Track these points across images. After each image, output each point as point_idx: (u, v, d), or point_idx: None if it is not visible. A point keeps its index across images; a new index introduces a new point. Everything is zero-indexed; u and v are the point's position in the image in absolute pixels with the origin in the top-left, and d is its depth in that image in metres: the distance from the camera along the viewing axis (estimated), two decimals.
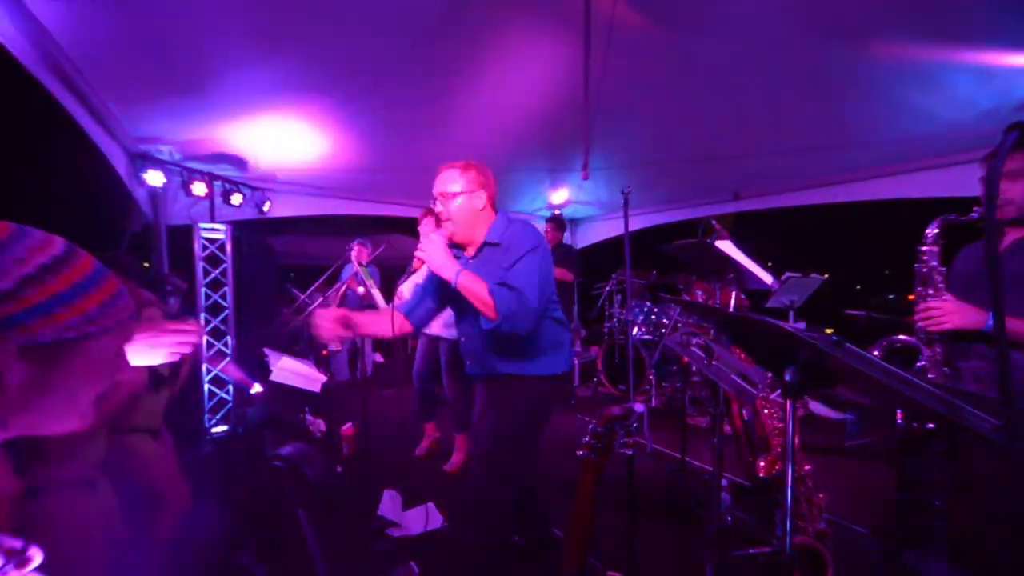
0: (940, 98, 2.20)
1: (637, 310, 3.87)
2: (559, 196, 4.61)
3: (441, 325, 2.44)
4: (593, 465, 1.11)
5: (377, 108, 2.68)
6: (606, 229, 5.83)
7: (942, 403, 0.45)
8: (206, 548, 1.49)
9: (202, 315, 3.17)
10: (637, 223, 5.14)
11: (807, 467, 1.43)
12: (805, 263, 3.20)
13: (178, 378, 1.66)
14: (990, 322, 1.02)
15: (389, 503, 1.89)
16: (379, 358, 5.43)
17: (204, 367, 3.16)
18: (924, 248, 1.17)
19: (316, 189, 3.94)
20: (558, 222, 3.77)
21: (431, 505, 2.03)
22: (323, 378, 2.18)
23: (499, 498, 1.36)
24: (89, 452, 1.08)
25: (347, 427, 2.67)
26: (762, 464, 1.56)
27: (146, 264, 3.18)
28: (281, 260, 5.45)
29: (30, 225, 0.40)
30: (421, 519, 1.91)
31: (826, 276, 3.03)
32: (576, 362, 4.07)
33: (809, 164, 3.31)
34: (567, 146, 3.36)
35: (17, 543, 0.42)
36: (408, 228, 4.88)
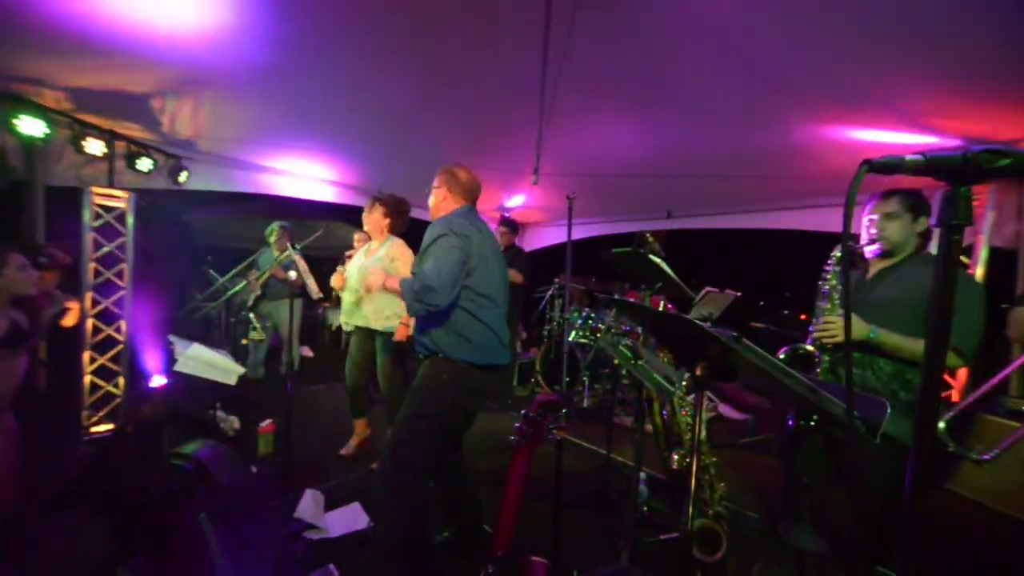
0: (832, 149, 2.61)
1: (575, 315, 4.05)
2: (514, 199, 4.67)
3: (381, 318, 2.35)
4: (523, 449, 1.15)
5: (328, 90, 2.51)
6: (551, 235, 6.02)
7: (809, 390, 0.54)
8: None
9: (88, 294, 2.71)
10: (580, 232, 5.38)
11: (714, 459, 1.60)
12: (723, 280, 3.59)
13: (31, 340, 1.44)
14: (872, 334, 1.21)
15: (310, 504, 1.77)
16: (307, 352, 5.07)
17: (87, 355, 2.71)
18: (827, 267, 1.34)
19: (244, 163, 3.58)
20: (511, 224, 3.81)
21: (357, 505, 1.93)
22: (240, 370, 1.99)
23: (402, 477, 1.40)
24: None
25: (266, 424, 2.45)
26: (675, 457, 1.72)
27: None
28: (195, 239, 4.85)
29: None
30: (344, 520, 1.82)
31: (739, 293, 3.43)
32: (515, 362, 4.15)
33: (731, 191, 3.73)
34: (520, 150, 3.42)
35: None
36: (349, 216, 4.62)
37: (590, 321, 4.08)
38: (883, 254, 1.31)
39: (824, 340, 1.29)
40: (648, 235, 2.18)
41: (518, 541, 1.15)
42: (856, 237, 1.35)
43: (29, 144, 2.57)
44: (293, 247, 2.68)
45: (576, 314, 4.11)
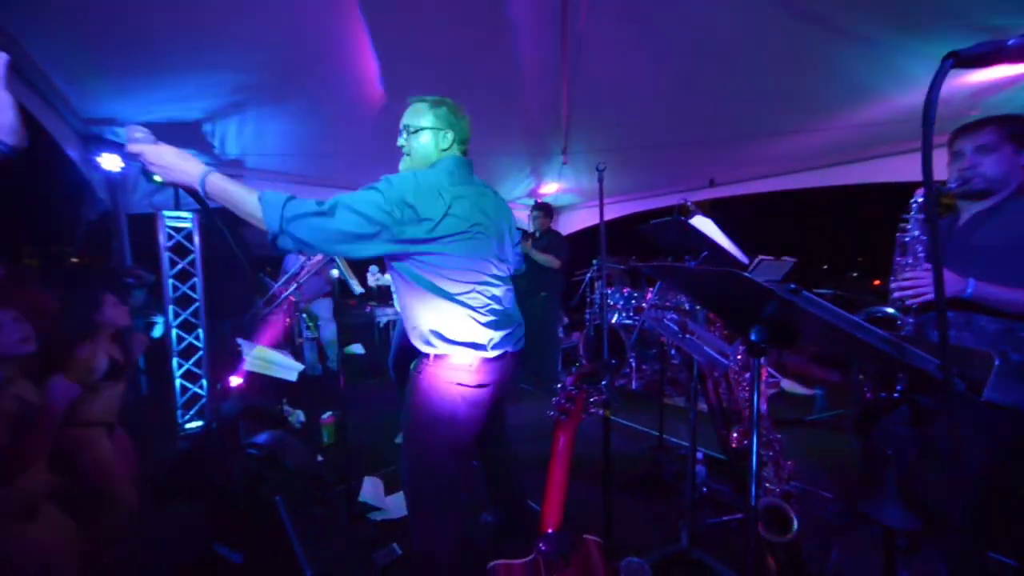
0: (898, 84, 2.28)
1: (617, 295, 3.93)
2: (547, 186, 4.60)
3: None
4: (564, 425, 1.12)
5: (351, 94, 2.60)
6: (585, 217, 5.87)
7: (892, 346, 0.47)
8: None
9: (170, 307, 3.04)
10: (615, 211, 5.19)
11: (777, 435, 1.49)
12: (777, 248, 3.32)
13: (128, 367, 1.61)
14: (970, 289, 1.04)
15: (370, 489, 1.88)
16: (359, 348, 5.35)
17: (175, 362, 3.05)
18: (907, 216, 1.17)
19: (288, 176, 3.81)
20: (546, 208, 3.71)
21: None
22: (299, 367, 2.13)
23: (422, 489, 1.19)
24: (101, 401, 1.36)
25: (327, 417, 2.63)
26: (735, 435, 1.63)
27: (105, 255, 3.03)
28: (254, 251, 5.27)
29: None
30: (404, 502, 1.91)
31: (796, 259, 3.15)
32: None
33: (781, 151, 3.40)
34: (548, 130, 3.34)
35: None
36: None
37: (632, 301, 3.96)
38: (976, 194, 1.13)
39: (908, 300, 1.12)
40: (689, 202, 2.03)
41: (569, 521, 1.14)
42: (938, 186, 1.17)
43: (111, 178, 2.91)
44: None
45: (616, 294, 4.00)
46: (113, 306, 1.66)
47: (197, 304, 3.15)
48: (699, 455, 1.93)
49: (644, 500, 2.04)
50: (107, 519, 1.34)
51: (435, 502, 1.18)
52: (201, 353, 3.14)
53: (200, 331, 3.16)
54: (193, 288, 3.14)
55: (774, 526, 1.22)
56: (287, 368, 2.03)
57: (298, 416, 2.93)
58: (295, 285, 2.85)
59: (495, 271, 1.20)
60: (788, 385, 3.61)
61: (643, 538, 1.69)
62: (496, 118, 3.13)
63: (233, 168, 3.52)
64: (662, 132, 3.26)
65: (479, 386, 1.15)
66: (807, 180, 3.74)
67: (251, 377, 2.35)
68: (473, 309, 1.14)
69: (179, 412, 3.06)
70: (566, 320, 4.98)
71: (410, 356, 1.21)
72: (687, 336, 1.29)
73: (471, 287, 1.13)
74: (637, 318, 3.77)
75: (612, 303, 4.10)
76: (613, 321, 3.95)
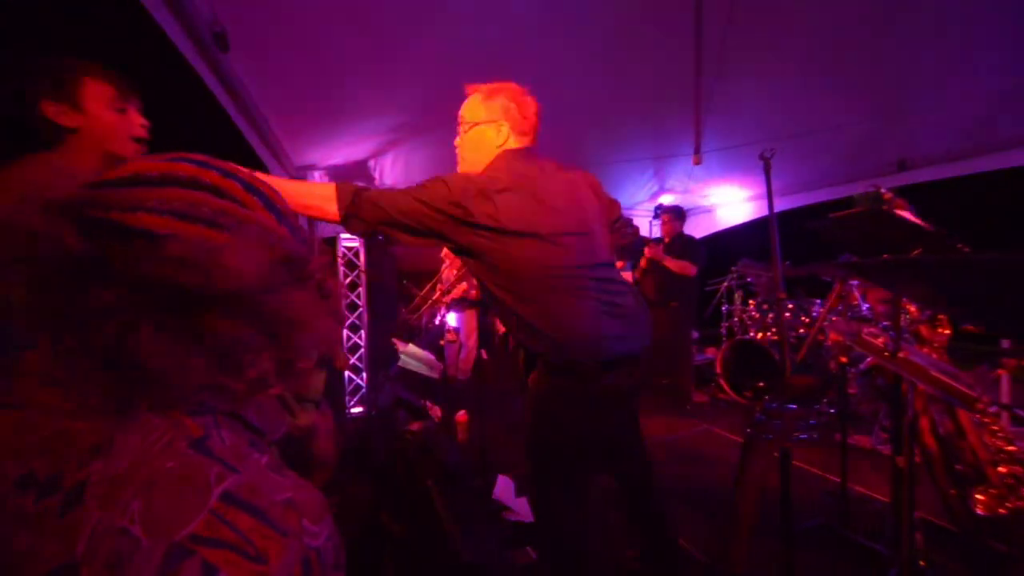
0: None
1: (766, 306, 3.38)
2: (672, 187, 4.29)
3: None
4: (760, 447, 0.94)
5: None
6: (719, 219, 5.24)
7: None
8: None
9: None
10: (756, 210, 4.51)
11: None
12: (997, 243, 2.41)
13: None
14: None
15: (504, 488, 1.94)
16: (484, 355, 5.71)
17: (344, 356, 3.71)
18: None
19: None
20: (676, 211, 3.40)
21: None
22: (440, 366, 2.37)
23: (547, 502, 1.11)
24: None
25: (461, 414, 2.85)
26: (979, 498, 1.19)
27: None
28: (399, 266, 6.16)
29: None
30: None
31: None
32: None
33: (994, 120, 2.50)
34: (673, 128, 3.12)
35: None
36: None
37: (787, 314, 3.34)
38: None
39: None
40: (882, 188, 1.62)
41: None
42: None
43: None
44: None
45: (767, 305, 3.44)
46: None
47: (361, 310, 3.80)
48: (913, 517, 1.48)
49: (826, 559, 1.65)
50: (317, 477, 1.66)
51: (561, 517, 1.09)
52: (363, 350, 3.76)
53: (363, 332, 3.79)
54: (359, 296, 3.80)
55: None
56: (431, 367, 2.27)
57: (436, 412, 3.25)
58: (437, 294, 3.20)
59: (594, 266, 1.05)
60: None
61: None
62: (615, 124, 3.05)
63: None
64: (826, 112, 2.72)
65: (594, 393, 1.03)
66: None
67: (401, 373, 2.71)
68: (580, 308, 1.01)
69: (346, 399, 3.70)
70: (696, 334, 4.49)
71: (532, 361, 1.16)
72: (902, 356, 1.00)
73: (566, 286, 1.00)
74: (793, 334, 3.16)
75: (757, 315, 3.54)
76: (759, 336, 3.39)
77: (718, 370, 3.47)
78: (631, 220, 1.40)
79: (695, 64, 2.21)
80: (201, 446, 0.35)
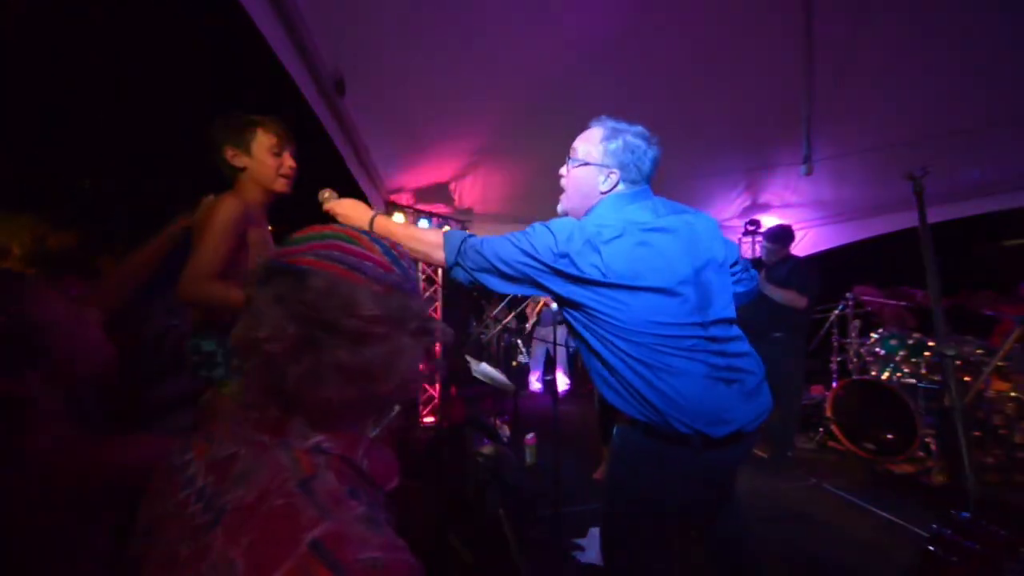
0: None
1: (894, 340, 2.84)
2: (768, 202, 3.87)
3: None
4: (950, 571, 0.65)
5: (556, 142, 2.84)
6: (829, 236, 4.58)
7: None
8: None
9: None
10: (880, 226, 3.85)
11: None
12: None
13: None
14: None
15: (591, 541, 1.80)
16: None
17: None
18: None
19: (504, 217, 4.45)
20: (783, 234, 2.85)
21: (594, 531, 1.87)
22: (512, 386, 2.34)
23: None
24: None
25: (530, 437, 2.79)
26: None
27: None
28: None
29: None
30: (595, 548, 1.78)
31: None
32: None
33: None
34: (775, 134, 2.80)
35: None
36: None
37: (924, 354, 2.75)
38: None
39: None
40: None
41: None
42: None
43: None
44: None
45: (892, 339, 2.89)
46: None
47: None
48: None
49: None
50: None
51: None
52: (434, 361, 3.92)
53: (437, 345, 3.96)
54: (435, 310, 3.98)
55: None
56: (504, 384, 2.25)
57: (504, 432, 3.23)
58: (511, 313, 3.22)
59: (709, 323, 0.94)
60: None
61: None
62: (693, 136, 2.83)
63: (465, 215, 4.37)
64: (978, 106, 2.23)
65: (695, 465, 0.92)
66: None
67: (471, 389, 2.75)
68: (688, 371, 0.90)
69: (419, 408, 3.86)
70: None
71: (611, 415, 1.07)
72: None
73: (675, 345, 0.91)
74: (929, 377, 2.59)
75: (881, 352, 2.97)
76: (883, 377, 2.84)
77: (828, 413, 2.96)
78: (750, 264, 1.26)
79: (805, 60, 1.96)
80: (307, 486, 0.37)
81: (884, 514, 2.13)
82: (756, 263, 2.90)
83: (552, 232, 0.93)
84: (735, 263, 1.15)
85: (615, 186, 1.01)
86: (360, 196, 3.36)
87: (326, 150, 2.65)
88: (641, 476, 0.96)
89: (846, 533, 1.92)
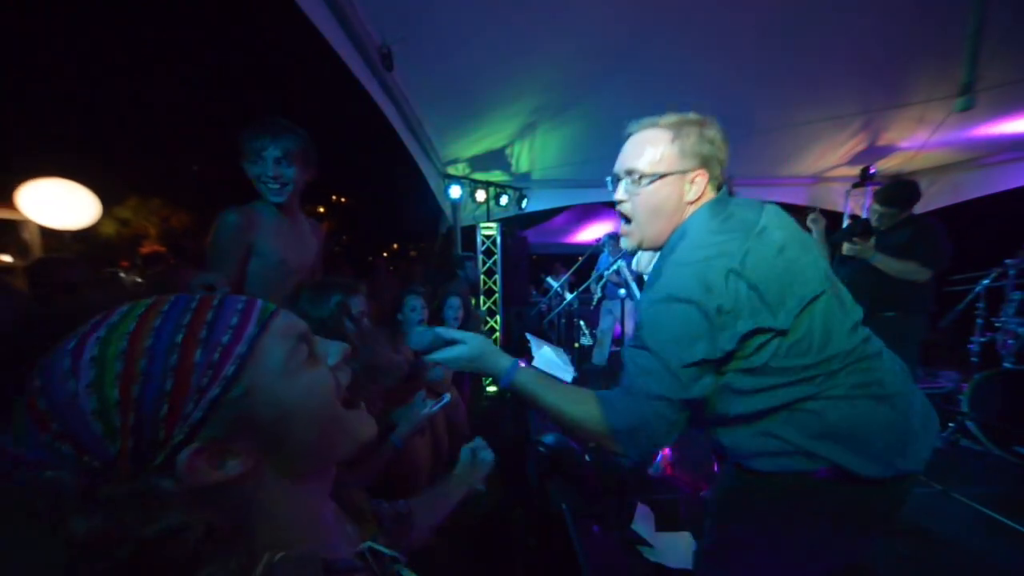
0: None
1: None
2: (893, 145, 3.13)
3: None
4: None
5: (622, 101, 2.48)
6: (972, 186, 3.65)
7: None
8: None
9: (481, 297, 3.95)
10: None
11: None
12: None
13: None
14: None
15: (642, 519, 1.75)
16: None
17: None
18: None
19: (563, 182, 4.17)
20: (901, 190, 2.14)
21: (687, 536, 1.76)
22: (573, 372, 2.24)
23: None
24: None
25: None
26: None
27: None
28: (533, 251, 6.25)
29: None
30: (677, 550, 1.68)
31: None
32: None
33: None
34: (907, 64, 2.16)
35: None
36: None
37: None
38: None
39: None
40: None
41: None
42: None
43: (454, 203, 4.00)
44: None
45: None
46: None
47: (497, 295, 3.96)
48: None
49: None
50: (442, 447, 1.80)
51: None
52: (498, 333, 3.95)
53: (499, 316, 3.97)
54: (495, 283, 3.96)
55: None
56: (563, 370, 2.16)
57: None
58: (571, 289, 3.07)
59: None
60: None
61: None
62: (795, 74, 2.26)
63: (523, 181, 4.16)
64: None
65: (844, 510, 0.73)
66: None
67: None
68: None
69: (482, 378, 3.97)
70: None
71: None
72: None
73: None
74: None
75: None
76: None
77: (966, 407, 2.45)
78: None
79: None
80: None
81: None
82: (864, 226, 2.27)
83: (687, 294, 0.68)
84: None
85: (703, 195, 0.80)
86: (416, 171, 3.35)
87: (382, 124, 2.60)
88: (766, 523, 0.77)
89: (980, 556, 1.60)
